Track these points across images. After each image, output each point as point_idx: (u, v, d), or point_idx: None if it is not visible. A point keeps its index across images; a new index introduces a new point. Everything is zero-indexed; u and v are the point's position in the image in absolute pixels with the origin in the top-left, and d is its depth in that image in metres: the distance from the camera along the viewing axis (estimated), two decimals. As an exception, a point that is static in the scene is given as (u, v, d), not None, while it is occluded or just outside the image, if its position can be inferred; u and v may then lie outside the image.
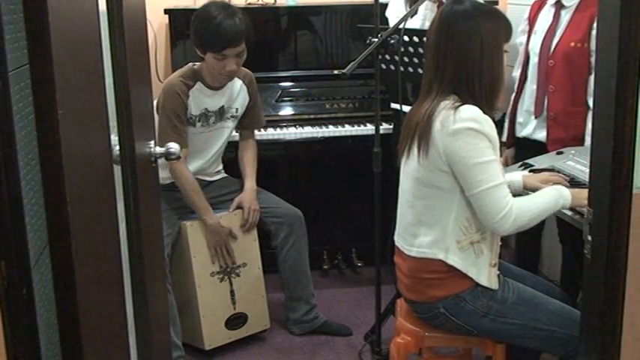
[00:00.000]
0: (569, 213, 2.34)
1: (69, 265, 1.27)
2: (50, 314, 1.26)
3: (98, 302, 1.48)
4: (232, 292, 3.31)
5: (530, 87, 3.20)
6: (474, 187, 2.17)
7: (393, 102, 3.54)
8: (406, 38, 2.87)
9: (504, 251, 3.25)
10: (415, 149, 2.24)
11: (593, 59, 2.98)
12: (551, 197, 2.27)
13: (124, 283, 1.75)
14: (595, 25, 2.86)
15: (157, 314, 2.12)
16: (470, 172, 2.16)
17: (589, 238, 1.58)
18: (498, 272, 2.33)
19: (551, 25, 3.12)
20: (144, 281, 1.80)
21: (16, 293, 1.11)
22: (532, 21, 3.23)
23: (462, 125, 2.14)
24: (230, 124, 3.38)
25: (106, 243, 1.61)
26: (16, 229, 1.10)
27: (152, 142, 2.07)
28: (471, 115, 2.15)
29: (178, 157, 2.13)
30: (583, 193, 2.27)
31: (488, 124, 2.17)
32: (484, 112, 2.19)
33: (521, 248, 3.50)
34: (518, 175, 2.57)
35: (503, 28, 2.26)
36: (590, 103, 2.98)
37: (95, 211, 1.50)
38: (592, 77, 2.95)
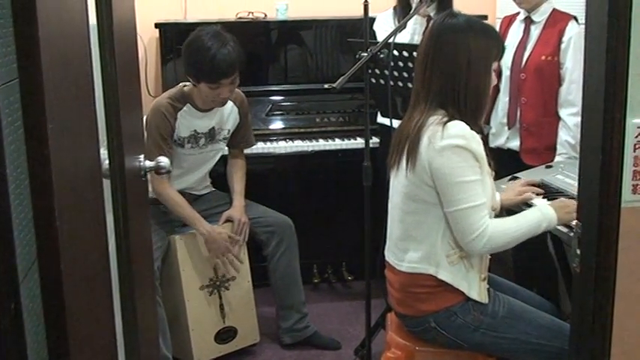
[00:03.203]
0: (558, 226, 2.34)
1: (58, 280, 1.26)
2: (39, 329, 1.25)
3: (87, 317, 1.47)
4: (222, 306, 3.30)
5: (503, 99, 3.32)
6: (451, 205, 2.17)
7: (382, 116, 3.56)
8: (396, 53, 2.88)
9: (501, 269, 3.26)
10: (404, 163, 2.25)
11: (562, 71, 3.15)
12: (533, 221, 2.25)
13: (113, 298, 1.75)
14: (564, 39, 3.12)
15: (146, 328, 2.11)
16: (450, 190, 2.16)
17: (578, 252, 1.59)
18: (488, 286, 2.33)
19: (521, 39, 3.26)
20: (133, 295, 1.80)
21: (5, 308, 1.10)
22: (503, 36, 3.34)
23: (449, 142, 2.14)
24: (223, 145, 3.40)
25: (95, 257, 1.60)
26: (5, 243, 1.10)
27: (142, 156, 2.07)
28: (457, 131, 2.15)
29: (169, 172, 2.13)
30: (568, 207, 2.28)
31: (475, 141, 2.17)
32: (470, 128, 2.19)
33: (519, 267, 3.49)
34: (496, 197, 2.56)
35: (494, 45, 2.26)
36: (560, 113, 3.18)
37: (84, 226, 1.50)
38: (562, 89, 3.17)
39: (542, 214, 2.27)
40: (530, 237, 2.27)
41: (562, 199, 2.42)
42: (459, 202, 2.16)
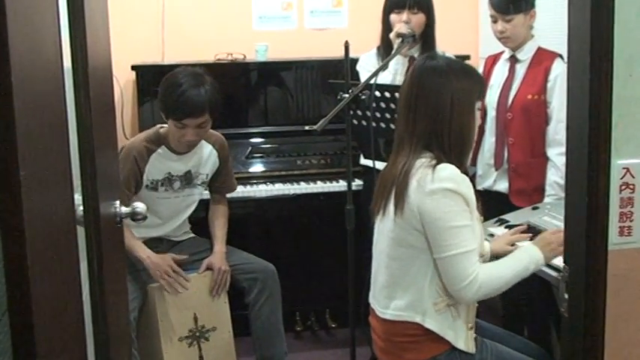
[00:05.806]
0: (546, 270, 2.32)
1: (29, 332, 1.22)
2: (8, 385, 1.20)
3: (59, 371, 1.42)
4: (201, 358, 3.20)
5: (489, 140, 3.28)
6: (441, 251, 2.13)
7: (365, 157, 3.54)
8: (377, 94, 2.87)
9: (490, 314, 3.23)
10: (391, 207, 2.21)
11: (549, 110, 3.12)
12: (521, 265, 2.22)
13: (87, 350, 1.69)
14: (550, 77, 3.09)
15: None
16: (440, 235, 2.12)
17: (566, 296, 1.57)
18: (475, 335, 2.27)
19: (507, 79, 3.24)
20: (108, 348, 1.74)
21: (-30, 365, 1.06)
22: (487, 76, 3.33)
23: (439, 186, 2.11)
24: (201, 190, 3.35)
25: (69, 308, 1.55)
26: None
27: (117, 202, 2.02)
28: (448, 174, 2.13)
29: (145, 217, 2.08)
30: (551, 244, 2.26)
31: (465, 184, 2.15)
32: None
33: (508, 312, 3.46)
34: (486, 246, 2.50)
35: (476, 86, 2.25)
36: (548, 153, 3.14)
37: (57, 275, 1.45)
38: (549, 128, 3.13)
39: (529, 257, 2.24)
40: (520, 280, 2.23)
41: (544, 234, 2.38)
42: (450, 248, 2.11)
